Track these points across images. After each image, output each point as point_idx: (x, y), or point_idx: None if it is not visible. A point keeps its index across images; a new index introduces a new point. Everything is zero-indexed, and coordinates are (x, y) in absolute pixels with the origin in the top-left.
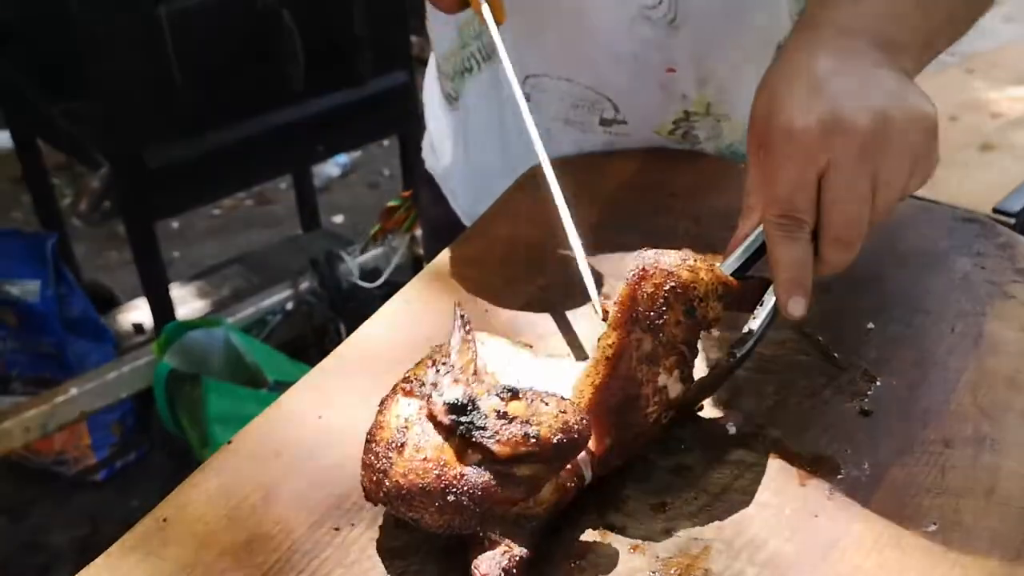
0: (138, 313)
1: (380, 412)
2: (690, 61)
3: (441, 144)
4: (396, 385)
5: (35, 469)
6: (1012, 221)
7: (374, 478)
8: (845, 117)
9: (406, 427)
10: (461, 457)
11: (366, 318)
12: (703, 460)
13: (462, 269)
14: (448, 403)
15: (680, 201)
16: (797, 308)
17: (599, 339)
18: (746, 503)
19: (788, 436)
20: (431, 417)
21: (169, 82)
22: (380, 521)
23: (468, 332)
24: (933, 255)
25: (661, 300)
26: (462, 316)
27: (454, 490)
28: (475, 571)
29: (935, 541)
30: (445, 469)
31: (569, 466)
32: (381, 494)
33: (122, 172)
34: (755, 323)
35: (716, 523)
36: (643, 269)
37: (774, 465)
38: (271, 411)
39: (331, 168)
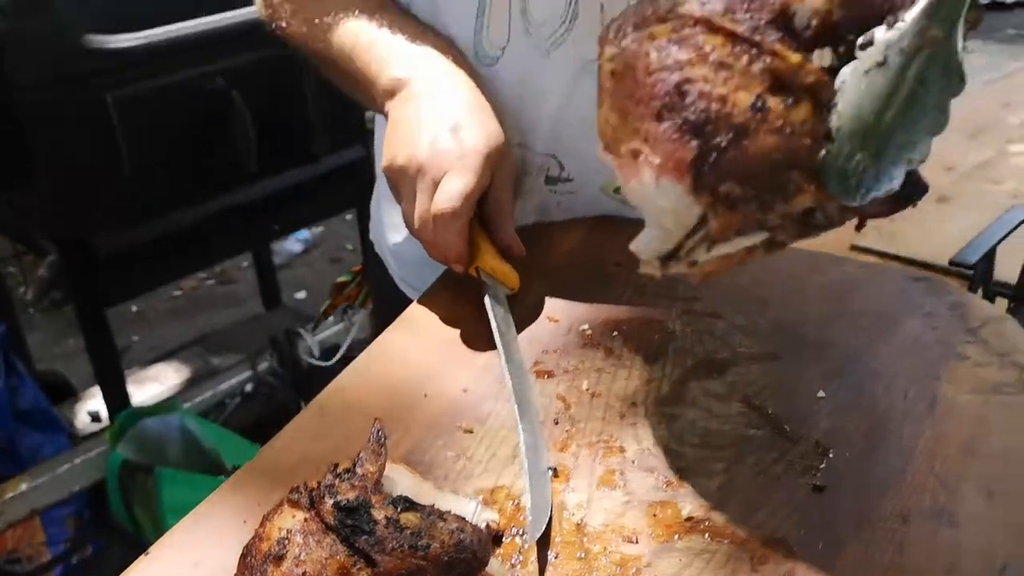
0: (95, 402)
1: (261, 524)
2: None
3: (389, 217)
4: (283, 498)
5: None
6: (970, 272)
7: None
8: None
9: (287, 539)
10: (345, 573)
11: None
12: (651, 548)
13: (400, 351)
14: (337, 502)
15: (624, 271)
16: None
17: None
18: None
19: (739, 518)
20: (320, 516)
21: (118, 167)
22: None
23: (382, 445)
24: (884, 317)
25: None
26: (379, 431)
27: None
28: None
29: None
30: None
31: None
32: None
33: (70, 260)
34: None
35: None
36: None
37: (725, 551)
38: (190, 519)
39: (292, 244)
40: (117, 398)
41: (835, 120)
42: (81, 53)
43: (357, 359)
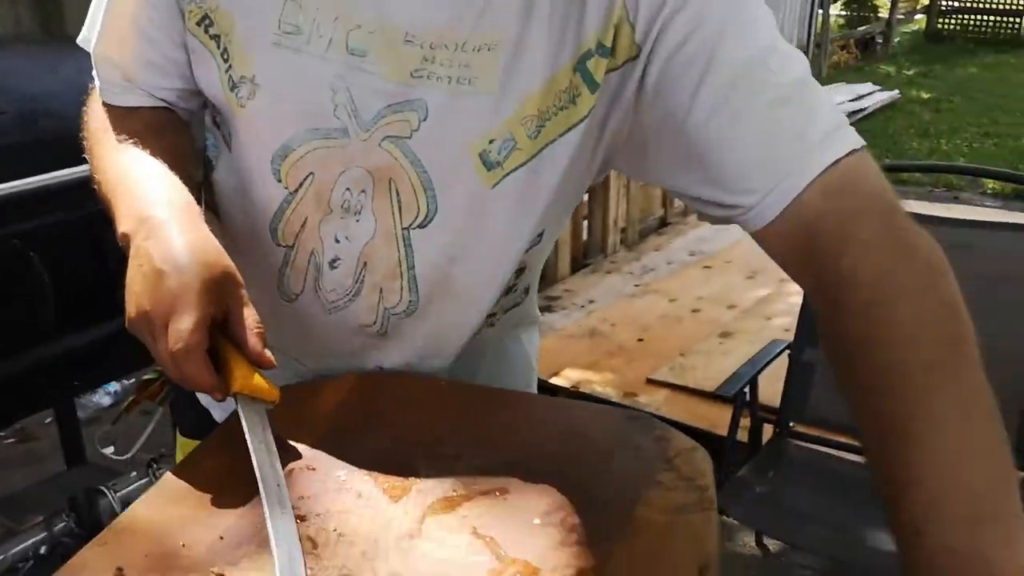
0: None
1: None
2: (399, 361)
3: None
4: None
5: None
6: (732, 402)
7: None
8: None
9: None
10: None
11: None
12: None
13: (161, 508)
14: None
15: (386, 418)
16: None
17: None
18: None
19: None
20: None
21: None
22: None
23: None
24: (603, 452)
25: None
26: None
27: None
28: None
29: None
30: None
31: None
32: None
33: None
34: None
35: None
36: None
37: None
38: None
39: (101, 397)
40: None
41: None
42: None
43: (121, 516)
